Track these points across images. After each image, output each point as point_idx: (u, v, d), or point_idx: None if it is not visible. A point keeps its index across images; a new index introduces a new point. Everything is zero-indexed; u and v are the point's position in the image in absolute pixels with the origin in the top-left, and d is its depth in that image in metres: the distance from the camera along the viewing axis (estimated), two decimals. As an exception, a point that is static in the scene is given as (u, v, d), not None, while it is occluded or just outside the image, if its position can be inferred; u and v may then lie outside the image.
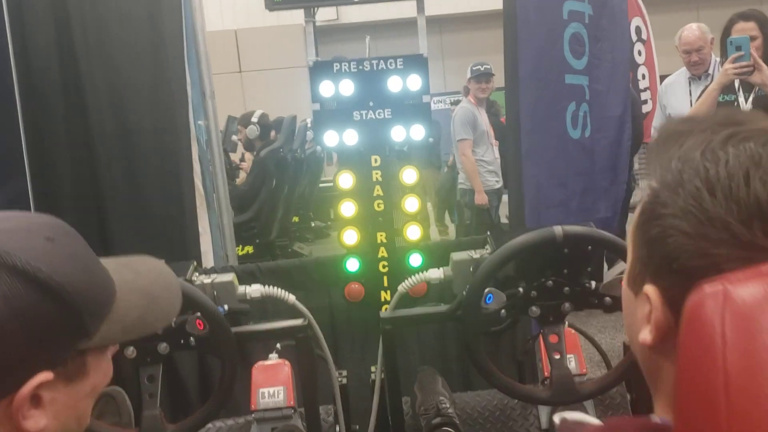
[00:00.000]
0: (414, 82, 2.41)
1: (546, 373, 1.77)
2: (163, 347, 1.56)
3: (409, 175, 2.44)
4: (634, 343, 0.61)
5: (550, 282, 1.53)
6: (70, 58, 2.32)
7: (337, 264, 2.54)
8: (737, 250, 0.50)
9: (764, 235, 0.50)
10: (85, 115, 2.39)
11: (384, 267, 2.48)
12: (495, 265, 1.49)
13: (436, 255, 2.63)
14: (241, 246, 4.28)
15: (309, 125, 7.11)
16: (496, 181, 4.92)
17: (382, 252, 2.49)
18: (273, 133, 5.23)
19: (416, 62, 2.42)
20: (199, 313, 1.55)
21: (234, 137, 5.20)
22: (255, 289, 1.77)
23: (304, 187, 6.47)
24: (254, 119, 5.04)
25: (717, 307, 0.47)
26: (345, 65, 2.41)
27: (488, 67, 4.92)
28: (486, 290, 1.49)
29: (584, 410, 1.99)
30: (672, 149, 0.56)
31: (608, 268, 3.79)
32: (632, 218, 0.62)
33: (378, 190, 2.47)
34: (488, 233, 1.74)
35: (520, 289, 1.54)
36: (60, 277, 0.71)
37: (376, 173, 2.47)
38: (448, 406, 1.71)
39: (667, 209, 0.53)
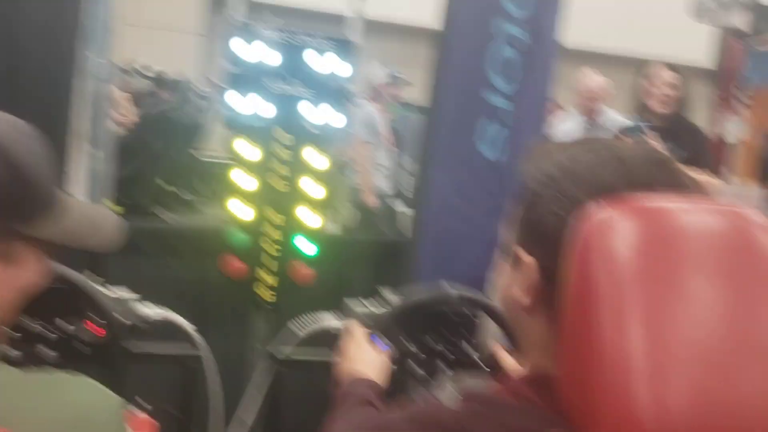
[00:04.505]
0: (342, 67, 2.34)
1: None
2: (52, 355, 1.47)
3: (320, 161, 2.35)
4: (511, 312, 0.76)
5: (437, 346, 1.60)
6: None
7: (220, 235, 2.40)
8: None
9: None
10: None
11: (271, 247, 2.37)
12: (392, 317, 1.54)
13: (328, 246, 2.55)
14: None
15: (201, 92, 6.80)
16: (386, 186, 4.94)
17: (275, 234, 2.38)
18: (165, 93, 4.93)
19: (347, 47, 2.35)
20: (102, 321, 1.49)
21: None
22: (156, 312, 1.74)
23: (182, 154, 6.16)
24: (149, 73, 4.73)
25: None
26: (273, 33, 2.30)
27: (404, 76, 4.98)
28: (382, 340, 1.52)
29: None
30: (545, 159, 0.73)
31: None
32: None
33: (282, 169, 2.36)
34: (381, 290, 1.79)
35: (411, 348, 1.60)
36: (21, 158, 0.81)
37: (283, 151, 2.36)
38: None
39: (542, 199, 0.70)
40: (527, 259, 0.71)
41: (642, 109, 3.32)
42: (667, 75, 3.24)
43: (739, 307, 0.56)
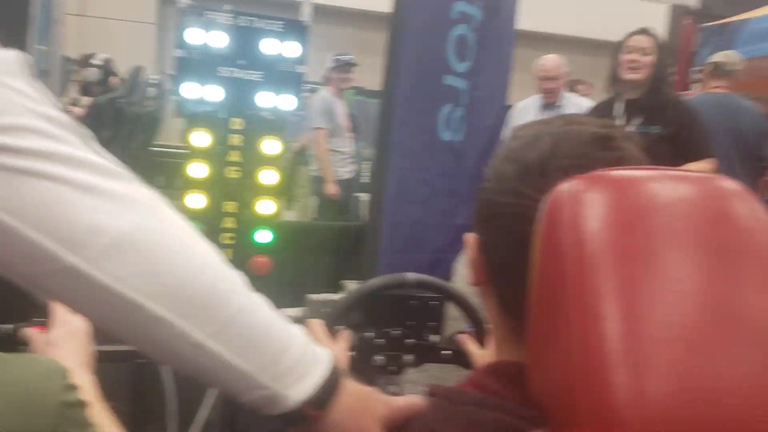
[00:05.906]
0: (292, 48, 2.27)
1: None
2: None
3: (272, 146, 2.29)
4: (474, 291, 0.76)
5: (397, 332, 1.54)
6: None
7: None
8: (514, 198, 0.65)
9: (533, 187, 0.64)
10: None
11: (230, 239, 2.31)
12: (349, 303, 1.47)
13: (287, 235, 2.50)
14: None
15: (152, 81, 6.63)
16: (346, 171, 4.86)
17: (229, 223, 2.31)
18: (114, 80, 4.78)
19: (297, 28, 2.29)
20: (43, 320, 1.40)
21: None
22: None
23: (135, 146, 6.00)
24: (97, 61, 4.57)
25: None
26: (220, 15, 2.22)
27: (352, 57, 4.85)
28: (339, 327, 1.45)
29: None
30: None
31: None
32: None
33: (234, 156, 2.29)
34: (342, 282, 1.73)
35: (370, 335, 1.53)
36: None
37: (235, 137, 2.29)
38: None
39: (485, 176, 0.71)
40: (469, 234, 0.73)
41: (614, 82, 2.91)
42: (636, 40, 2.89)
43: (720, 283, 0.52)
